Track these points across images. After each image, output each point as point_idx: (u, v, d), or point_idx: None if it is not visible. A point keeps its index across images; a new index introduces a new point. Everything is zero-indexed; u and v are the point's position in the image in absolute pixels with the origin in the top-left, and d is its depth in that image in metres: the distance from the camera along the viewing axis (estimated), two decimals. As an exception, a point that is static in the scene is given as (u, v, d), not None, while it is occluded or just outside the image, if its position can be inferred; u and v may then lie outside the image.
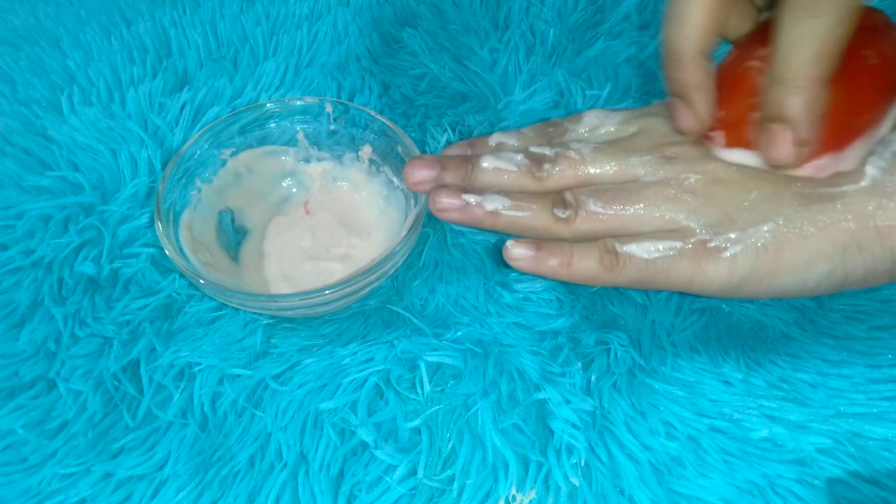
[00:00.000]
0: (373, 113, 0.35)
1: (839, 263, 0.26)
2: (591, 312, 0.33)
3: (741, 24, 0.29)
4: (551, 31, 0.46)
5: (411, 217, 0.32)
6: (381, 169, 0.37)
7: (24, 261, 0.34)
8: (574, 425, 0.29)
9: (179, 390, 0.30)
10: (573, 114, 0.34)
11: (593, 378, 0.31)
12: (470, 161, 0.31)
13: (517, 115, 0.41)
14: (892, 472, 0.28)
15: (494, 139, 0.33)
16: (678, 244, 0.27)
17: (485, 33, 0.46)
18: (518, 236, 0.29)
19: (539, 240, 0.29)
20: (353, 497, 0.28)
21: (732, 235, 0.27)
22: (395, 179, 0.36)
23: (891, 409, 0.29)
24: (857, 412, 0.30)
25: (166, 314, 0.33)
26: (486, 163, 0.30)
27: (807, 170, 0.27)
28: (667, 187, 0.28)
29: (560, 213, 0.28)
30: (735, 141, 0.28)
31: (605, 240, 0.28)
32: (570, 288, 0.34)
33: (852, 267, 0.26)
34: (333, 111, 0.36)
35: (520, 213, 0.29)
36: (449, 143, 0.40)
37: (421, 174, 0.30)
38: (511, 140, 0.33)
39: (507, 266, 0.35)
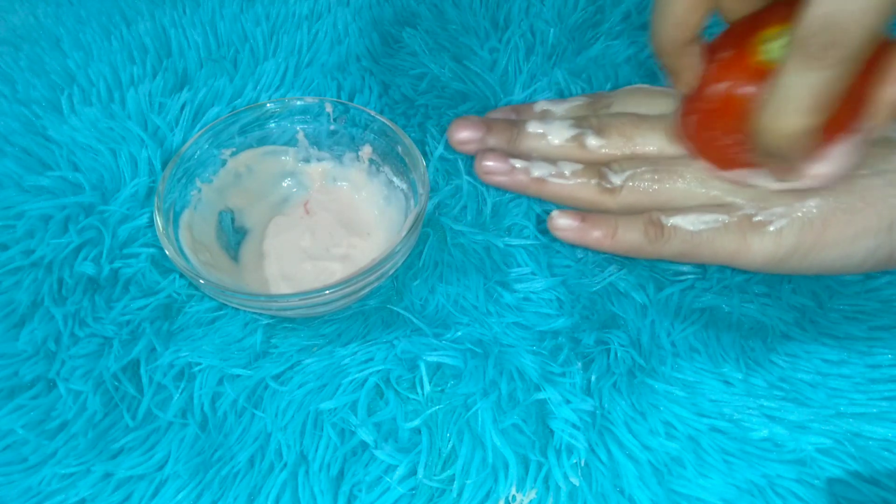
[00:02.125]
0: (373, 113, 0.35)
1: (885, 240, 0.26)
2: (591, 312, 0.33)
3: (738, 6, 0.28)
4: (551, 31, 0.46)
5: (411, 217, 0.32)
6: (381, 169, 0.37)
7: (24, 261, 0.34)
8: (574, 425, 0.29)
9: (179, 390, 0.30)
10: (618, 88, 0.33)
11: (593, 378, 0.31)
12: (516, 125, 0.31)
13: (517, 115, 0.41)
14: (892, 472, 0.28)
15: (539, 106, 0.33)
16: (724, 217, 0.27)
17: (485, 33, 0.46)
18: (561, 207, 0.29)
19: (583, 211, 0.29)
20: (353, 497, 0.28)
21: (778, 210, 0.27)
22: (395, 179, 0.36)
23: (891, 409, 0.29)
24: (857, 412, 0.30)
25: (166, 314, 0.33)
26: (532, 128, 0.30)
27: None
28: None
29: (606, 185, 0.28)
30: (728, 164, 0.29)
31: (650, 212, 0.28)
32: (570, 288, 0.34)
33: None
34: (333, 111, 0.36)
35: (566, 182, 0.29)
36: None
37: (465, 134, 0.30)
38: (556, 108, 0.33)
39: (506, 265, 0.35)
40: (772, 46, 0.26)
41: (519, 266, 0.35)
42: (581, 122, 0.30)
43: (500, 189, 0.37)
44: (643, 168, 0.29)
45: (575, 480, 0.28)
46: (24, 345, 0.31)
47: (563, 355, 0.32)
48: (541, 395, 0.30)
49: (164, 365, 0.31)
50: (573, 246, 0.35)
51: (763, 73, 0.25)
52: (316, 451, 0.29)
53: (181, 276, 0.34)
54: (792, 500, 0.28)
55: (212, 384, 0.31)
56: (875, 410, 0.30)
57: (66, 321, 0.32)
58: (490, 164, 0.29)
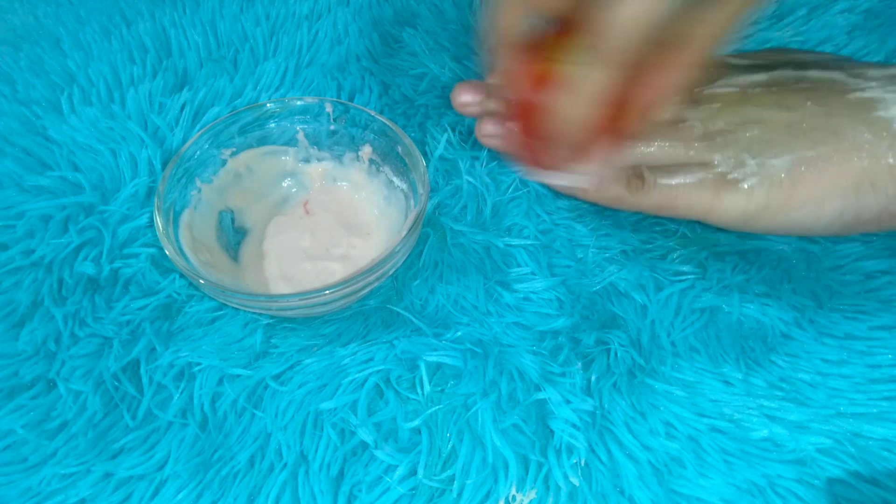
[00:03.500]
0: (373, 113, 0.35)
1: (852, 201, 0.27)
2: (591, 312, 0.33)
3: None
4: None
5: (411, 217, 0.32)
6: (381, 169, 0.37)
7: (24, 261, 0.34)
8: (574, 425, 0.29)
9: (179, 390, 0.30)
10: None
11: (593, 378, 0.31)
12: None
13: (517, 115, 0.41)
14: (892, 472, 0.28)
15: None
16: (700, 174, 0.29)
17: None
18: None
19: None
20: (353, 497, 0.28)
21: (751, 169, 0.28)
22: (395, 179, 0.36)
23: (891, 409, 0.29)
24: (857, 412, 0.30)
25: (166, 314, 0.33)
26: None
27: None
28: (694, 126, 0.30)
29: None
30: (533, 161, 0.31)
31: (633, 166, 0.30)
32: (570, 288, 0.34)
33: (866, 205, 0.27)
34: (333, 111, 0.36)
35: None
36: (449, 142, 0.40)
37: (467, 97, 0.33)
38: None
39: (506, 265, 0.35)
40: (555, 57, 0.27)
41: (519, 266, 0.35)
42: None
43: (500, 189, 0.37)
44: None
45: (575, 480, 0.28)
46: (24, 345, 0.31)
47: (563, 355, 0.32)
48: (541, 395, 0.30)
49: (164, 365, 0.31)
50: (573, 245, 0.35)
51: (547, 79, 0.27)
52: (316, 451, 0.29)
53: (181, 276, 0.34)
54: (792, 500, 0.28)
55: (212, 384, 0.31)
56: (875, 410, 0.30)
57: (66, 321, 0.32)
58: (488, 126, 0.32)
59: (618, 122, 0.27)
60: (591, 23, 0.22)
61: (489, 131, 0.32)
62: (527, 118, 0.29)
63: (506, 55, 0.27)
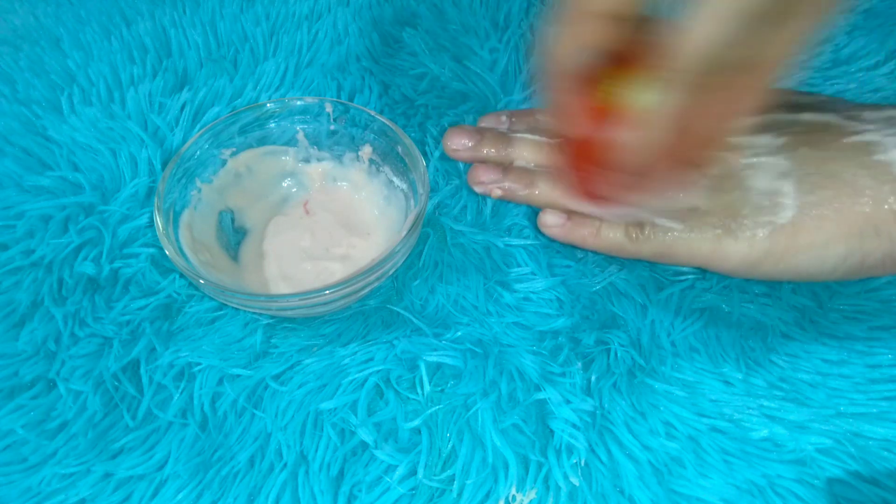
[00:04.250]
0: (373, 113, 0.35)
1: (856, 246, 0.27)
2: (591, 312, 0.33)
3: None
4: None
5: (411, 217, 0.32)
6: (381, 169, 0.37)
7: (24, 261, 0.34)
8: (574, 425, 0.29)
9: (179, 390, 0.30)
10: None
11: (593, 378, 0.31)
12: (508, 137, 0.32)
13: (517, 115, 0.41)
14: (892, 472, 0.28)
15: (534, 113, 0.34)
16: (699, 222, 0.29)
17: (485, 33, 0.46)
18: None
19: (570, 210, 0.31)
20: (353, 497, 0.28)
21: (751, 216, 0.28)
22: (395, 179, 0.36)
23: (891, 409, 0.29)
24: (857, 412, 0.30)
25: (166, 314, 0.33)
26: (524, 139, 0.31)
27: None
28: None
29: None
30: (592, 196, 0.30)
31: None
32: (570, 288, 0.34)
33: (869, 250, 0.27)
34: (333, 111, 0.36)
35: (553, 190, 0.31)
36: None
37: (460, 142, 0.32)
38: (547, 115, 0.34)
39: (506, 265, 0.35)
40: (615, 90, 0.27)
41: (519, 266, 0.35)
42: None
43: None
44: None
45: (575, 480, 0.28)
46: (24, 345, 0.31)
47: (563, 355, 0.32)
48: (541, 395, 0.30)
49: (164, 365, 0.31)
50: (572, 245, 0.35)
51: (606, 112, 0.26)
52: (316, 451, 0.29)
53: (181, 276, 0.34)
54: (792, 500, 0.28)
55: (212, 384, 0.31)
56: (875, 410, 0.30)
57: (66, 321, 0.32)
58: (482, 174, 0.32)
59: (682, 150, 0.26)
60: (660, 48, 0.21)
61: (482, 178, 0.32)
62: (584, 151, 0.28)
63: (562, 89, 0.26)
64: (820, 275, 0.28)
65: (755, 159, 0.28)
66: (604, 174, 0.28)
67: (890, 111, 0.28)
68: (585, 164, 0.29)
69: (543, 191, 0.31)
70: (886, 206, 0.26)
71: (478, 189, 0.32)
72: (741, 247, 0.28)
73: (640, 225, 0.29)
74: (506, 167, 0.32)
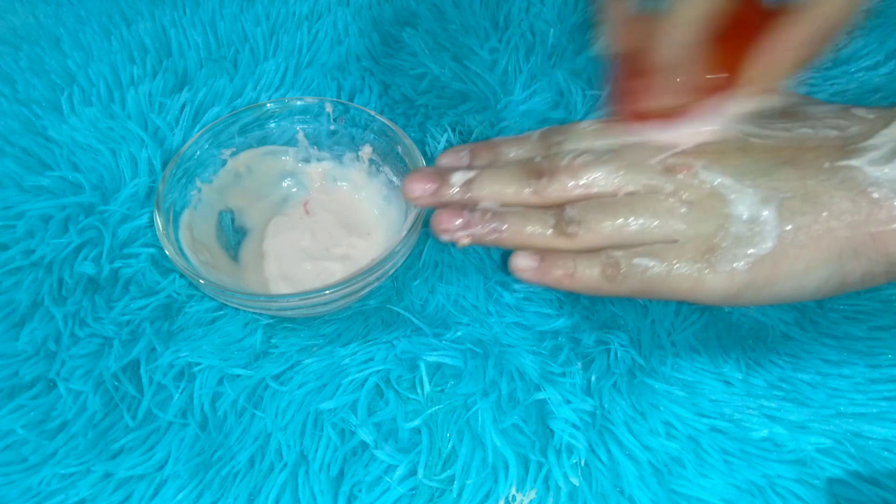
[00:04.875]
0: (373, 113, 0.35)
1: (836, 269, 0.26)
2: (591, 312, 0.33)
3: None
4: (551, 31, 0.46)
5: (411, 217, 0.32)
6: (381, 169, 0.37)
7: (24, 261, 0.34)
8: (574, 425, 0.29)
9: (179, 390, 0.30)
10: (572, 122, 0.33)
11: (593, 378, 0.31)
12: (470, 176, 0.31)
13: (517, 115, 0.41)
14: (892, 472, 0.28)
15: (495, 144, 0.33)
16: (677, 256, 0.28)
17: (485, 33, 0.46)
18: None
19: (542, 251, 0.29)
20: (353, 497, 0.28)
21: (730, 248, 0.27)
22: (395, 179, 0.36)
23: (891, 409, 0.29)
24: (857, 412, 0.30)
25: (166, 314, 0.33)
26: (486, 178, 0.30)
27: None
28: (666, 199, 0.28)
29: (563, 229, 0.29)
30: (640, 115, 0.30)
31: (607, 251, 0.28)
32: (570, 288, 0.34)
33: (850, 270, 0.26)
34: (333, 111, 0.36)
35: (522, 230, 0.29)
36: (449, 142, 0.40)
37: (420, 187, 0.30)
38: (511, 148, 0.33)
39: (507, 265, 0.35)
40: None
41: (519, 266, 0.35)
42: (533, 166, 0.30)
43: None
44: (596, 209, 0.29)
45: (575, 480, 0.28)
46: (24, 345, 0.31)
47: (563, 355, 0.32)
48: (541, 395, 0.30)
49: (164, 365, 0.31)
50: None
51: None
52: (316, 451, 0.29)
53: (181, 276, 0.34)
54: (792, 500, 0.28)
55: (212, 384, 0.31)
56: (875, 410, 0.30)
57: (66, 321, 0.32)
58: (445, 220, 0.30)
59: (730, 66, 0.27)
60: None
61: (446, 226, 0.29)
62: (631, 63, 0.28)
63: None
64: (801, 298, 0.28)
65: (737, 185, 0.28)
66: (653, 80, 0.28)
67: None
68: (635, 76, 0.28)
69: (513, 232, 0.29)
70: (865, 230, 0.26)
71: (443, 238, 0.30)
72: (721, 281, 0.27)
73: (617, 264, 0.28)
74: (471, 210, 0.30)
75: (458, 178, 0.30)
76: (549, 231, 0.29)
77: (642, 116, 0.29)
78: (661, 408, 0.30)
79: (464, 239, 0.30)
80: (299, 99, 0.36)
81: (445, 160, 0.33)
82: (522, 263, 0.29)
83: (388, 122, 0.35)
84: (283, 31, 0.46)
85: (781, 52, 0.26)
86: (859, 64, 0.43)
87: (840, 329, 0.32)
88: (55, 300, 0.33)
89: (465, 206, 0.30)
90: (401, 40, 0.46)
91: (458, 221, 0.29)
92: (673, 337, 0.32)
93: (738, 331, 0.32)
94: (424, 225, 0.35)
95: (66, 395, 0.30)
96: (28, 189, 0.37)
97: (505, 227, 0.29)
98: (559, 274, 0.29)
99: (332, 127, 0.37)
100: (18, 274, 0.33)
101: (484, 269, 0.35)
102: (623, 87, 0.29)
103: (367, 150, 0.37)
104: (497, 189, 0.30)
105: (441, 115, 0.41)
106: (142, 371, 0.31)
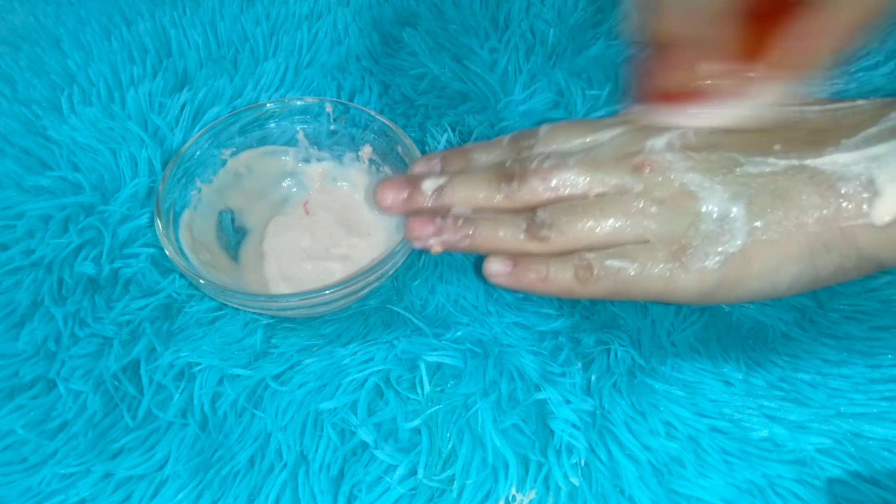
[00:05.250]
0: (373, 113, 0.35)
1: (808, 265, 0.26)
2: (591, 312, 0.33)
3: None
4: (551, 31, 0.46)
5: (411, 217, 0.32)
6: (381, 169, 0.37)
7: (24, 261, 0.34)
8: (574, 425, 0.29)
9: (179, 390, 0.30)
10: (542, 125, 0.33)
11: (593, 378, 0.31)
12: (441, 182, 0.31)
13: (517, 115, 0.41)
14: (892, 472, 0.28)
15: (466, 151, 0.33)
16: (649, 257, 0.28)
17: (485, 33, 0.46)
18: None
19: (515, 256, 0.29)
20: (353, 497, 0.28)
21: (700, 247, 0.27)
22: (395, 179, 0.36)
23: (891, 409, 0.29)
24: (857, 412, 0.30)
25: (166, 314, 0.33)
26: (457, 183, 0.30)
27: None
28: (636, 199, 0.28)
29: (535, 233, 0.29)
30: (667, 97, 0.29)
31: (579, 253, 0.29)
32: (570, 288, 0.34)
33: (821, 266, 0.26)
34: (333, 111, 0.36)
35: (494, 235, 0.29)
36: (449, 142, 0.40)
37: (391, 197, 0.31)
38: (482, 154, 0.33)
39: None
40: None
41: (519, 266, 0.35)
42: (503, 171, 0.30)
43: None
44: (567, 211, 0.29)
45: (575, 480, 0.28)
46: (24, 345, 0.31)
47: (563, 355, 0.32)
48: (541, 395, 0.30)
49: (164, 365, 0.31)
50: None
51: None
52: (316, 451, 0.29)
53: (181, 276, 0.34)
54: (792, 500, 0.28)
55: (212, 384, 0.31)
56: (875, 410, 0.30)
57: (66, 321, 0.32)
58: (416, 229, 0.30)
59: (760, 48, 0.26)
60: None
61: (418, 233, 0.30)
62: (658, 43, 0.28)
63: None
64: (774, 294, 0.28)
65: (706, 181, 0.28)
66: (680, 56, 0.27)
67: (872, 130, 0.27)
68: (664, 58, 0.28)
69: (485, 237, 0.29)
70: (835, 225, 0.26)
71: (416, 245, 0.30)
72: (693, 280, 0.27)
73: (589, 266, 0.28)
74: (444, 216, 0.30)
75: (428, 185, 0.30)
76: (522, 235, 0.29)
77: (664, 97, 0.29)
78: (661, 408, 0.30)
79: (436, 246, 0.30)
80: (299, 99, 0.36)
81: (418, 168, 0.33)
82: (495, 269, 0.29)
83: (388, 122, 0.35)
84: (283, 31, 0.46)
85: (814, 39, 0.26)
86: (859, 64, 0.43)
87: (840, 329, 0.32)
88: (55, 300, 0.33)
89: (438, 213, 0.30)
90: (401, 40, 0.46)
91: (430, 229, 0.30)
92: (673, 337, 0.32)
93: (738, 331, 0.32)
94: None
95: (66, 395, 0.30)
96: (28, 189, 0.37)
97: (477, 232, 0.29)
98: (532, 278, 0.29)
99: (332, 127, 0.37)
100: (18, 274, 0.33)
101: (484, 269, 0.35)
102: (648, 67, 0.29)
103: (367, 150, 0.37)
104: (468, 194, 0.30)
105: (441, 115, 0.41)
106: (142, 371, 0.31)
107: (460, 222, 0.29)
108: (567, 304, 0.33)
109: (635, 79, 0.30)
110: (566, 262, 0.29)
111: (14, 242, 0.34)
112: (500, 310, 0.33)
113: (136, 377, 0.31)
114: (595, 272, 0.28)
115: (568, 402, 0.30)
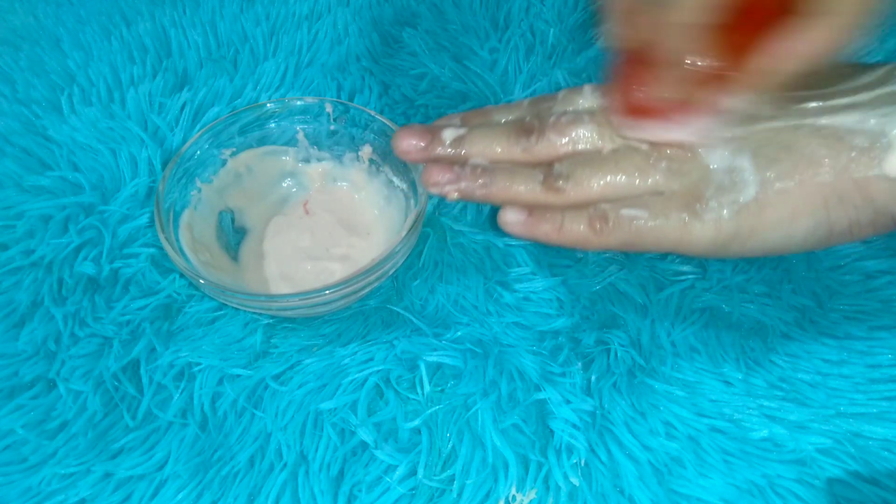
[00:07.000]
0: (373, 113, 0.35)
1: (822, 217, 0.27)
2: (591, 312, 0.33)
3: None
4: (551, 31, 0.46)
5: (411, 217, 0.32)
6: (381, 169, 0.37)
7: (24, 261, 0.34)
8: (574, 425, 0.29)
9: (179, 390, 0.30)
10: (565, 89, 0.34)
11: (593, 378, 0.31)
12: (461, 133, 0.31)
13: (517, 115, 0.41)
14: (892, 472, 0.28)
15: (487, 111, 0.34)
16: (664, 206, 0.28)
17: (485, 33, 0.46)
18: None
19: (531, 207, 0.30)
20: (353, 497, 0.28)
21: (714, 197, 0.28)
22: (395, 179, 0.36)
23: (891, 409, 0.29)
24: (857, 412, 0.30)
25: (166, 314, 0.33)
26: (476, 135, 0.31)
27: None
28: (650, 154, 0.29)
29: (551, 184, 0.29)
30: (638, 111, 0.29)
31: (595, 205, 0.29)
32: (570, 288, 0.34)
33: (836, 219, 0.27)
34: (333, 111, 0.36)
35: (511, 185, 0.30)
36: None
37: (409, 143, 0.31)
38: (501, 113, 0.33)
39: (506, 265, 0.35)
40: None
41: (519, 266, 0.35)
42: (522, 125, 0.31)
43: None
44: (583, 164, 0.29)
45: (575, 480, 0.28)
46: (24, 345, 0.31)
47: (563, 355, 0.32)
48: (541, 395, 0.30)
49: (164, 365, 0.31)
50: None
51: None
52: (316, 451, 0.29)
53: (181, 276, 0.34)
54: (792, 500, 0.28)
55: (212, 384, 0.31)
56: (875, 410, 0.30)
57: (66, 321, 0.32)
58: (435, 175, 0.30)
59: (734, 70, 0.26)
60: None
61: (436, 179, 0.30)
62: (635, 61, 0.28)
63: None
64: (789, 248, 0.28)
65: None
66: (656, 74, 0.27)
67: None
68: (638, 69, 0.28)
69: (502, 187, 0.30)
70: (847, 176, 0.26)
71: (433, 190, 0.30)
72: (708, 230, 0.28)
73: (604, 216, 0.29)
74: (461, 166, 0.30)
75: (448, 135, 0.31)
76: (538, 187, 0.29)
77: (640, 111, 0.29)
78: (661, 408, 0.30)
79: (453, 193, 0.30)
80: (299, 99, 0.36)
81: (438, 122, 0.33)
82: (511, 217, 0.29)
83: (388, 122, 0.35)
84: (283, 31, 0.46)
85: (787, 57, 0.26)
86: (859, 64, 0.43)
87: (840, 329, 0.32)
88: (55, 300, 0.33)
89: (455, 163, 0.30)
90: (401, 40, 0.46)
91: (448, 175, 0.30)
92: (673, 337, 0.32)
93: (738, 331, 0.32)
94: (424, 225, 0.35)
95: (66, 395, 0.30)
96: (28, 189, 0.37)
97: (494, 182, 0.30)
98: (547, 228, 0.29)
99: (332, 127, 0.37)
100: (18, 274, 0.33)
101: (484, 269, 0.35)
102: (624, 78, 0.29)
103: (367, 150, 0.37)
104: (487, 146, 0.31)
105: (441, 115, 0.41)
106: (142, 371, 0.31)
107: (478, 171, 0.30)
108: (567, 304, 0.33)
109: (610, 89, 0.30)
110: (581, 213, 0.29)
111: (14, 242, 0.34)
112: (500, 310, 0.33)
113: (136, 377, 0.31)
114: (610, 221, 0.28)
115: (568, 402, 0.30)
